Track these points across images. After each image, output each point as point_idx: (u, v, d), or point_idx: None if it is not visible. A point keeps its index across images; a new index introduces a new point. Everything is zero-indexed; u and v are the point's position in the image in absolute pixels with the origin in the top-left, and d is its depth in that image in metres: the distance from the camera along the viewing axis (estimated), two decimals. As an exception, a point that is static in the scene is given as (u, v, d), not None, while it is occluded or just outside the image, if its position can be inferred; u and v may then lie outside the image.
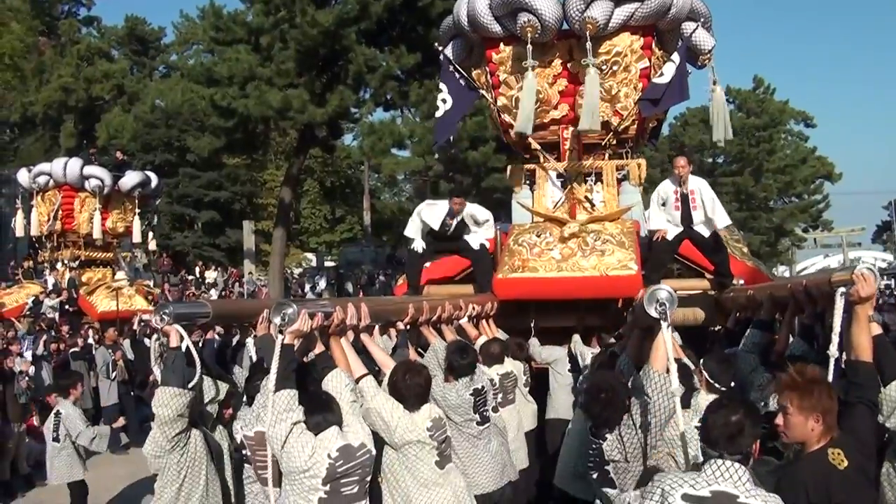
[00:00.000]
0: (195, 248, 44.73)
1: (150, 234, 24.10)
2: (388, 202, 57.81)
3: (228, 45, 28.09)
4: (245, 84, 26.83)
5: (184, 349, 4.62)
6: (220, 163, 43.53)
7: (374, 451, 4.64)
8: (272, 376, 4.34)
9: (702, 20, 10.03)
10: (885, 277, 48.24)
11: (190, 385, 4.67)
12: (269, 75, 26.72)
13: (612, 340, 8.38)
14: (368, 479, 4.59)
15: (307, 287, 36.67)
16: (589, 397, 5.23)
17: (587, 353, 9.09)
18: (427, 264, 10.11)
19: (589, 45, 9.29)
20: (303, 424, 4.37)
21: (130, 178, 22.26)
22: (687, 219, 9.29)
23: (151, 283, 26.54)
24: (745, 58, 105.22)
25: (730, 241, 10.13)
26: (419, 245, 9.85)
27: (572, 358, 9.27)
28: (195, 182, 44.93)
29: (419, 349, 6.93)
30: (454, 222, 9.78)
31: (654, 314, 4.53)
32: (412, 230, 9.94)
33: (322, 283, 36.48)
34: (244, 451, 5.34)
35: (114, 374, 14.80)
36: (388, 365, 5.56)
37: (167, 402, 4.58)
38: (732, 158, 50.74)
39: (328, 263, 45.67)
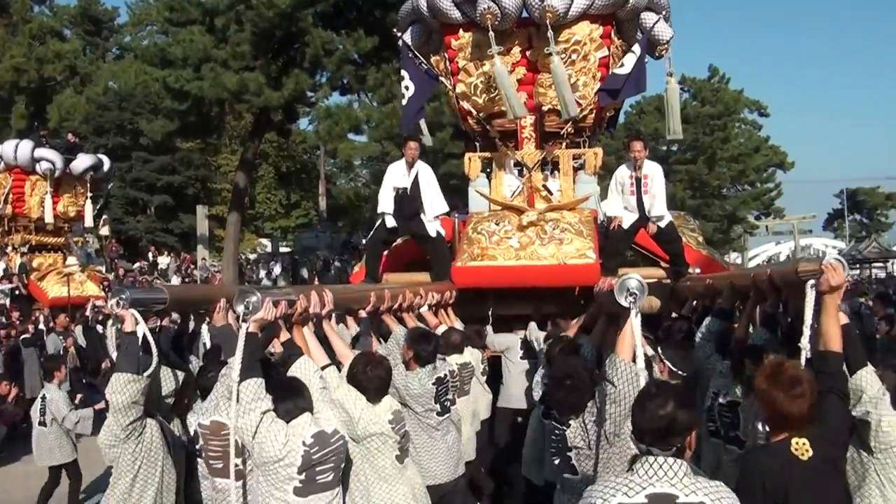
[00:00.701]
0: (148, 234, 44.21)
1: (103, 219, 23.75)
2: (344, 187, 57.66)
3: (183, 27, 27.67)
4: (200, 66, 26.46)
5: (140, 335, 4.49)
6: (173, 146, 43.04)
7: (347, 438, 4.58)
8: (236, 366, 4.25)
9: (662, 12, 10.07)
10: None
11: (146, 373, 4.55)
12: (224, 57, 26.38)
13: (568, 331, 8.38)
14: (342, 466, 4.53)
15: (262, 273, 36.45)
16: (554, 382, 5.18)
17: (540, 337, 9.13)
18: (385, 252, 10.04)
19: (550, 33, 9.31)
20: (272, 413, 4.30)
21: (82, 161, 21.88)
22: (640, 203, 9.28)
23: (103, 269, 26.19)
24: (700, 47, 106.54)
25: (685, 230, 10.21)
26: (391, 221, 9.63)
27: (527, 345, 9.28)
28: (148, 166, 44.37)
29: (380, 338, 6.89)
30: (412, 175, 9.60)
31: (624, 303, 4.50)
32: (384, 202, 9.72)
33: (277, 269, 36.26)
34: (198, 443, 5.17)
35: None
36: (347, 356, 5.49)
37: (121, 388, 4.45)
38: (687, 146, 51.16)
39: (283, 249, 45.42)
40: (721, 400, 5.51)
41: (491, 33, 9.41)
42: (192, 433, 5.29)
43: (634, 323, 4.46)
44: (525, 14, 9.67)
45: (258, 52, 27.05)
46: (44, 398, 9.45)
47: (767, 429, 4.10)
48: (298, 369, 4.65)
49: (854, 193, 68.87)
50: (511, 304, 9.46)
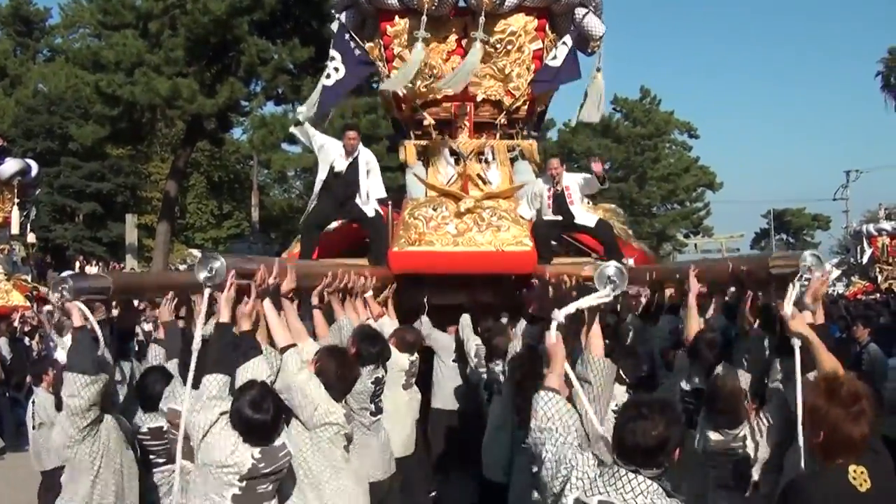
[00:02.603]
0: (76, 242, 43.35)
1: (29, 226, 23.16)
2: (278, 199, 57.08)
3: (116, 30, 27.36)
4: (132, 70, 26.16)
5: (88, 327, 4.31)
6: (103, 153, 42.28)
7: (292, 453, 4.37)
8: (195, 348, 4.08)
9: (593, 6, 10.22)
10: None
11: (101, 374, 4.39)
12: (157, 62, 26.13)
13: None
14: (282, 477, 4.37)
15: (192, 283, 35.88)
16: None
17: (472, 343, 9.04)
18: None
19: (482, 20, 9.37)
20: (227, 416, 4.11)
21: (10, 166, 21.24)
22: (566, 216, 9.40)
23: (29, 278, 25.53)
24: (632, 68, 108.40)
25: (616, 223, 10.32)
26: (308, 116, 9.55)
27: (459, 345, 9.24)
28: (77, 172, 43.52)
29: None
30: (349, 160, 9.34)
31: (606, 292, 4.31)
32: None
33: (207, 280, 35.67)
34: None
35: (-11, 373, 13.89)
36: (303, 337, 5.29)
37: (79, 391, 4.25)
38: (618, 165, 51.98)
39: (214, 260, 44.69)
40: (685, 386, 5.52)
41: (424, 18, 9.37)
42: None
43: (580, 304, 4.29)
44: (462, 3, 9.74)
45: (192, 59, 26.90)
46: (34, 403, 9.10)
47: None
48: (249, 370, 4.42)
49: (781, 214, 70.45)
50: (445, 293, 9.34)
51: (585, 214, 9.49)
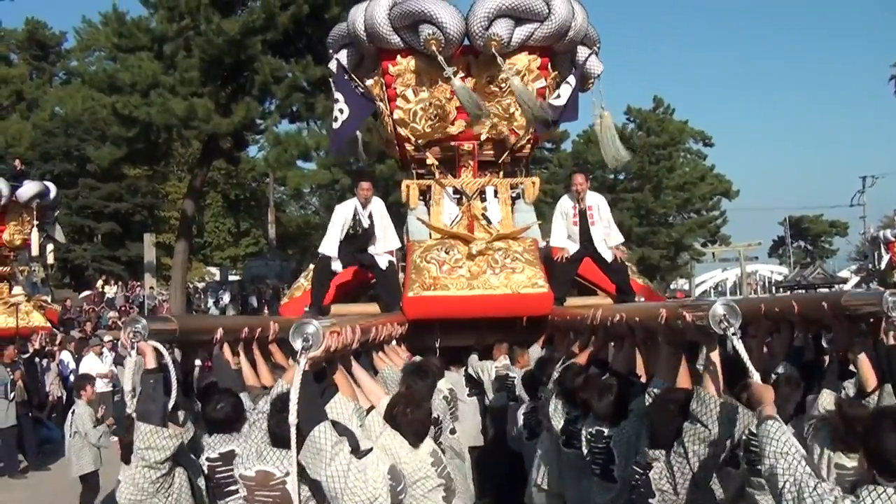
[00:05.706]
0: (94, 262, 43.73)
1: (49, 248, 23.34)
2: (294, 215, 57.34)
3: (131, 52, 27.49)
4: (148, 92, 26.30)
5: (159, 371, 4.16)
6: (120, 173, 42.56)
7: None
8: (293, 409, 3.91)
9: (594, 46, 10.26)
10: (781, 290, 49.98)
11: (180, 422, 4.28)
12: (172, 84, 26.22)
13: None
14: None
15: (210, 301, 36.15)
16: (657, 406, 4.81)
17: (489, 366, 9.10)
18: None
19: (500, 59, 9.37)
20: (353, 454, 3.98)
21: (28, 189, 21.45)
22: (585, 233, 9.43)
23: (49, 299, 25.74)
24: (645, 78, 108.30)
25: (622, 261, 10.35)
26: (338, 266, 9.24)
27: (472, 380, 9.27)
28: (95, 193, 44.04)
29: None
30: (366, 213, 9.29)
31: (719, 330, 4.11)
32: (328, 245, 9.26)
33: (226, 298, 35.96)
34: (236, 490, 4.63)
35: (12, 394, 13.76)
36: (378, 395, 5.11)
37: (156, 443, 4.09)
38: (633, 175, 51.73)
39: (232, 277, 45.01)
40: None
41: (440, 57, 9.32)
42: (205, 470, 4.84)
43: (739, 346, 4.07)
44: (466, 42, 9.66)
45: (207, 79, 26.97)
46: (73, 412, 10.20)
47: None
48: (334, 408, 4.38)
49: (798, 221, 70.04)
50: (455, 335, 9.25)
51: (617, 233, 9.58)
